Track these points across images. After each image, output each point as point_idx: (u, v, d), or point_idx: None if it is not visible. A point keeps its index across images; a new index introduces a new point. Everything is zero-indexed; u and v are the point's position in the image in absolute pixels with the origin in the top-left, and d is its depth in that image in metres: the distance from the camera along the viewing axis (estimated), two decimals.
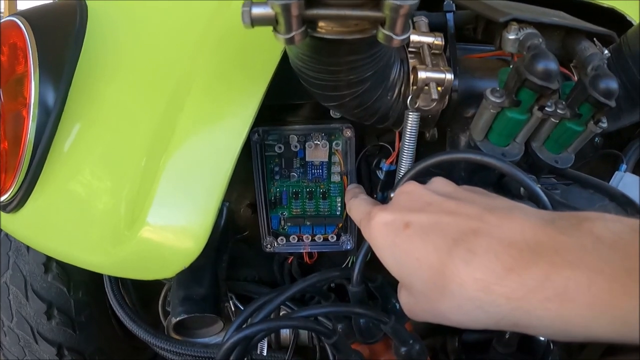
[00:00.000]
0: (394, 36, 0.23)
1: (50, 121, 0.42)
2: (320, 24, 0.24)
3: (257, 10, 0.22)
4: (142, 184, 0.36)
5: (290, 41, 0.23)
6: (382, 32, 0.23)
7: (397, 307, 0.39)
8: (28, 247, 0.60)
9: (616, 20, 0.47)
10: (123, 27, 0.45)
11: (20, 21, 0.44)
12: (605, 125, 0.35)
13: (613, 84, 0.32)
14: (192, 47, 0.39)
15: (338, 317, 0.39)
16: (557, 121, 0.35)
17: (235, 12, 0.41)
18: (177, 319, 0.43)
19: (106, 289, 0.50)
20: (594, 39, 0.35)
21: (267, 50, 0.36)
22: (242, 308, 0.48)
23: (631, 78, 0.36)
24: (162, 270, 0.35)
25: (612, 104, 0.32)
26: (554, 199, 0.36)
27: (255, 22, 0.22)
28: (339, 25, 0.23)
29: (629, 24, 0.47)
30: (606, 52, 0.35)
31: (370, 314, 0.33)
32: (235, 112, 0.35)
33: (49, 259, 0.60)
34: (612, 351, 0.35)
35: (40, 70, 0.42)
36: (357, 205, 0.31)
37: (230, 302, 0.48)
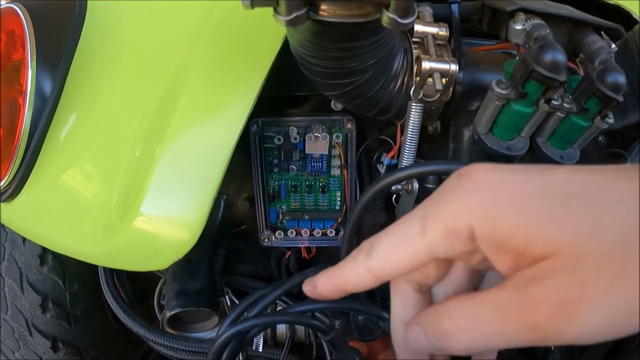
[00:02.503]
0: (398, 19, 0.22)
1: (47, 110, 0.42)
2: (323, 6, 0.23)
3: None
4: (136, 174, 0.35)
5: (291, 23, 0.22)
6: (387, 16, 0.22)
7: None
8: (24, 239, 0.59)
9: (622, 17, 0.46)
10: (121, 16, 0.45)
11: (19, 8, 0.43)
12: (611, 120, 0.35)
13: (621, 78, 0.31)
14: (189, 36, 0.39)
15: (335, 313, 0.38)
16: (563, 115, 0.34)
17: (234, 1, 0.40)
18: (172, 312, 0.42)
19: (101, 282, 0.50)
20: (602, 32, 0.35)
21: (266, 39, 0.35)
22: (238, 303, 0.47)
23: (638, 74, 0.36)
24: (155, 261, 0.35)
25: (620, 98, 0.32)
26: None
27: (255, 2, 0.22)
28: (342, 8, 0.23)
29: (635, 22, 0.46)
30: (614, 46, 0.34)
31: (369, 311, 0.32)
32: (233, 103, 0.34)
33: (44, 251, 0.60)
34: (613, 353, 0.34)
35: (38, 58, 0.42)
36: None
37: (226, 296, 0.47)
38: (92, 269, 0.60)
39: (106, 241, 0.35)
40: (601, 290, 0.13)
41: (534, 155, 0.37)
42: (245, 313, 0.33)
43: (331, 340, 0.32)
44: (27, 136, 0.41)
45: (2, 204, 0.44)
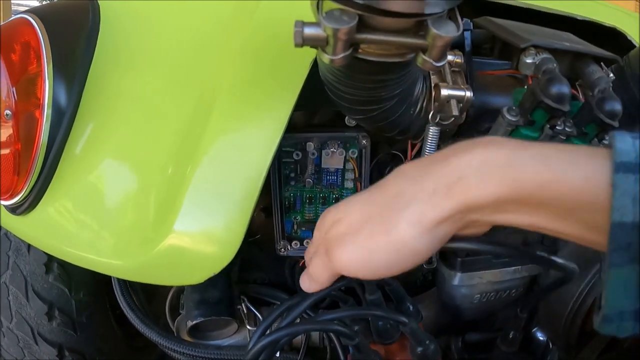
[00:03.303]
0: (433, 62, 0.24)
1: (64, 122, 0.42)
2: (363, 45, 0.25)
3: (309, 32, 0.23)
4: (169, 190, 0.36)
5: (334, 62, 0.24)
6: (422, 58, 0.24)
7: (411, 309, 0.41)
8: (29, 247, 0.59)
9: (617, 38, 0.50)
10: (138, 27, 0.45)
11: (33, 19, 0.43)
12: (607, 142, 0.38)
13: (617, 107, 0.35)
14: (216, 50, 0.39)
15: (355, 319, 0.40)
16: (564, 138, 0.38)
17: (262, 13, 0.41)
18: (194, 322, 0.44)
19: (115, 292, 0.50)
20: (601, 62, 0.38)
21: (298, 56, 0.35)
22: (254, 310, 0.49)
23: (631, 97, 0.39)
24: (190, 276, 0.36)
25: (616, 124, 0.35)
26: None
27: (306, 42, 0.23)
28: (381, 48, 0.25)
29: (628, 42, 0.50)
30: (611, 75, 0.38)
31: (391, 317, 0.35)
32: (267, 119, 0.35)
33: (50, 259, 0.59)
34: (610, 349, 0.38)
35: (54, 70, 0.42)
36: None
37: (243, 304, 0.49)
38: (98, 276, 0.60)
39: (139, 256, 0.36)
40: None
41: None
42: (275, 323, 0.35)
43: (356, 345, 0.35)
44: (44, 150, 0.41)
45: (17, 217, 0.44)
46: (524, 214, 0.21)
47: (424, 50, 0.24)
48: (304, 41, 0.23)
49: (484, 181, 0.21)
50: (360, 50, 0.25)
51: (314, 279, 0.28)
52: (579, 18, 0.47)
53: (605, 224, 0.18)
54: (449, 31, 0.22)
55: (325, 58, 0.24)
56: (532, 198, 0.20)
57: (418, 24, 0.24)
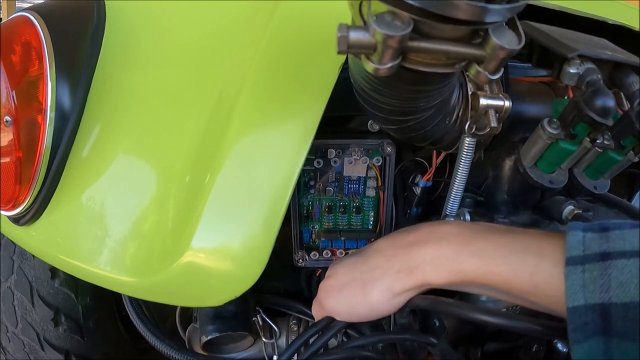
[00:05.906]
0: (488, 75, 0.22)
1: (69, 127, 0.39)
2: (413, 55, 0.22)
3: (355, 37, 0.20)
4: (187, 200, 0.33)
5: (379, 71, 0.21)
6: (477, 69, 0.22)
7: (437, 324, 0.40)
8: None
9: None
10: (148, 27, 0.42)
11: (34, 17, 0.39)
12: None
13: None
14: (234, 51, 0.36)
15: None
16: (601, 151, 0.35)
17: (282, 13, 0.38)
18: (209, 337, 0.42)
19: (125, 305, 0.48)
20: None
21: (326, 58, 0.32)
22: (269, 322, 0.47)
23: None
24: (208, 298, 0.33)
25: None
26: None
27: (351, 49, 0.20)
28: (431, 58, 0.22)
29: None
30: None
31: (420, 340, 0.33)
32: (294, 126, 0.32)
33: None
34: None
35: (57, 71, 0.39)
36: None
37: (258, 316, 0.47)
38: None
39: (154, 274, 0.34)
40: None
41: (571, 187, 0.38)
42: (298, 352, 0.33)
43: None
44: (48, 157, 0.39)
45: (21, 227, 0.42)
46: (472, 288, 0.29)
47: (479, 61, 0.21)
48: (348, 48, 0.20)
49: (436, 271, 0.28)
50: (409, 60, 0.22)
51: (314, 314, 0.36)
52: (609, 22, 0.44)
53: (549, 305, 0.24)
54: (511, 43, 0.20)
55: (370, 67, 0.21)
56: (473, 282, 0.27)
57: (472, 32, 0.21)
